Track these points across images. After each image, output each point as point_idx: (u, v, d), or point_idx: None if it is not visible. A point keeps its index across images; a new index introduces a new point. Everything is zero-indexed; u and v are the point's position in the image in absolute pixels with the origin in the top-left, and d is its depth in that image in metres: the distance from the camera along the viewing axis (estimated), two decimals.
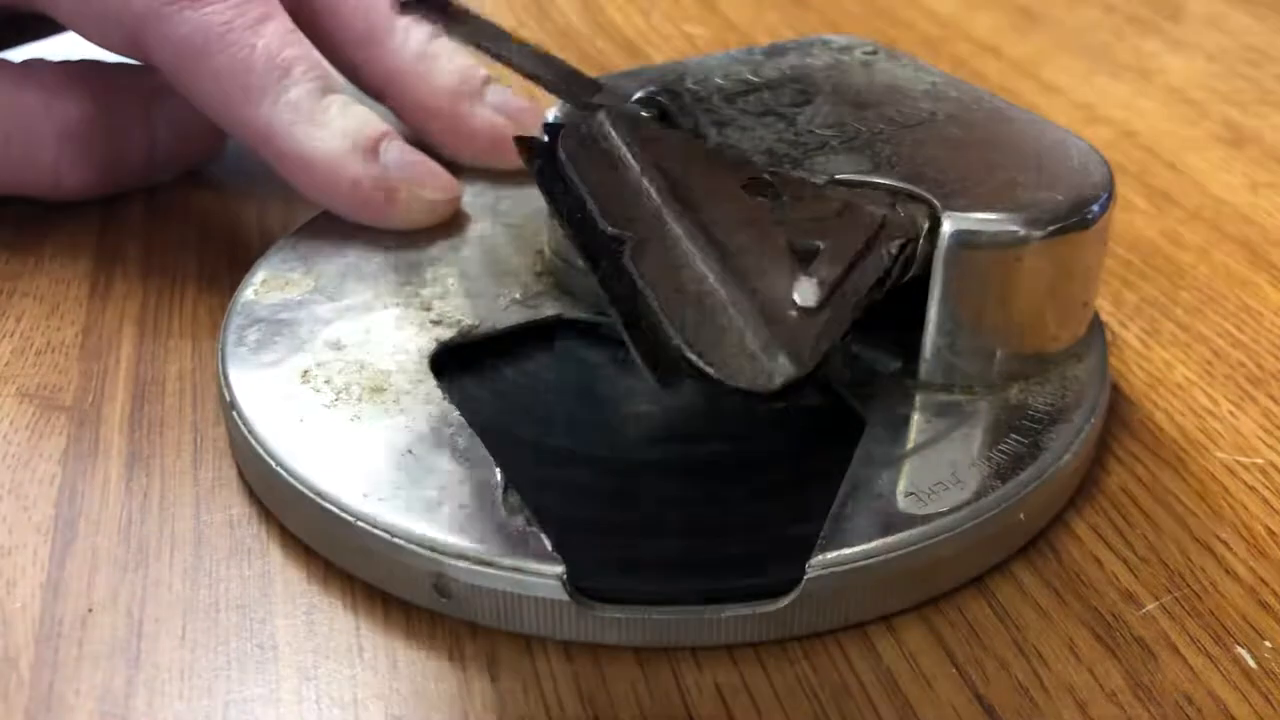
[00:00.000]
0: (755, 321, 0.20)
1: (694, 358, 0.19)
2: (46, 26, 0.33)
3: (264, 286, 0.28)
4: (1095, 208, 0.24)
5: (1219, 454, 0.26)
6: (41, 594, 0.22)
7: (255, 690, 0.20)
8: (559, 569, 0.21)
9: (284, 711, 0.20)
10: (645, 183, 0.22)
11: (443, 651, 0.21)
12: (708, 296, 0.21)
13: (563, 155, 0.23)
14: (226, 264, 0.31)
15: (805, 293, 0.20)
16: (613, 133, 0.24)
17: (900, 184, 0.24)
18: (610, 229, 0.21)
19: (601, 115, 0.24)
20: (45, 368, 0.28)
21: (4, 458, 0.25)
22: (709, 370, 0.19)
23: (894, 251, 0.23)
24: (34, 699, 0.20)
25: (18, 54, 0.33)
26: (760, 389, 0.19)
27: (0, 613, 0.22)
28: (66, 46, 0.33)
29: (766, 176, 0.24)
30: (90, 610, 0.22)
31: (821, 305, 0.20)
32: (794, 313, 0.20)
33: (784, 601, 0.21)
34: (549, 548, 0.21)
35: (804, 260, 0.21)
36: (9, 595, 0.22)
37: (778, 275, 0.21)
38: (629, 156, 0.23)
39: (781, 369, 0.19)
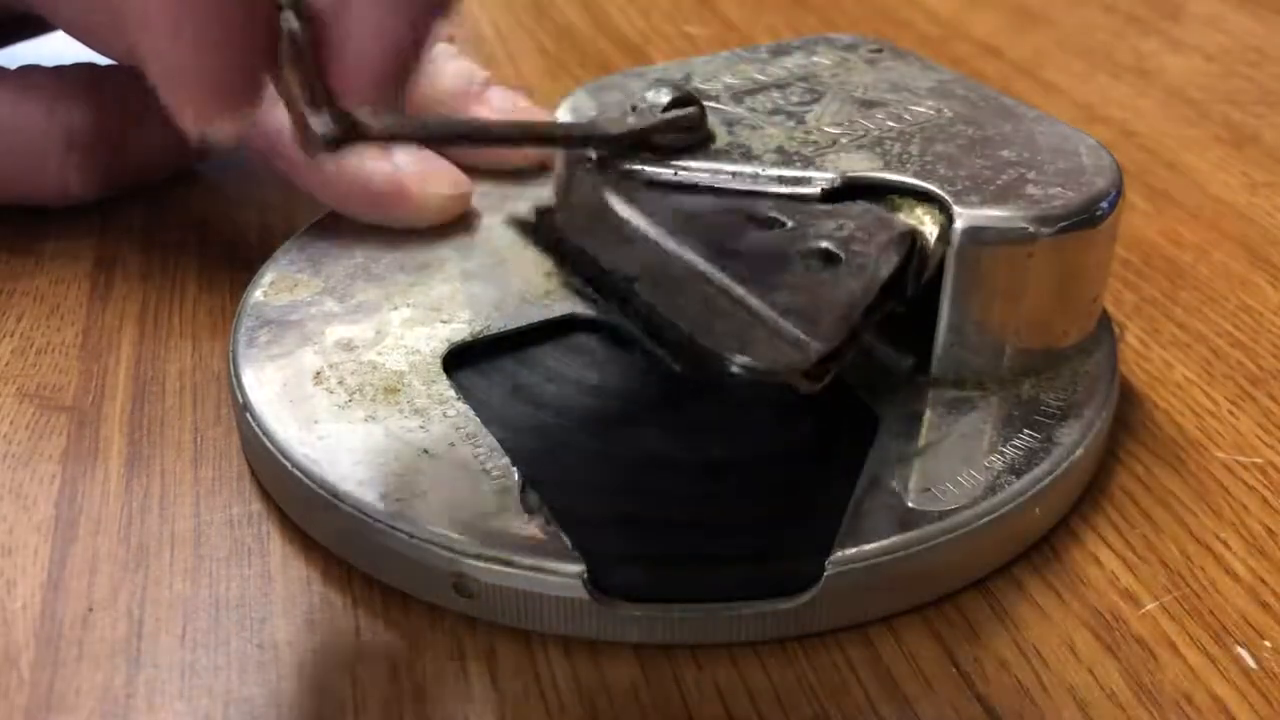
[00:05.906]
0: (776, 314, 0.21)
1: (731, 357, 0.21)
2: (38, 24, 0.33)
3: (273, 288, 0.27)
4: (1105, 205, 0.25)
5: (1218, 453, 0.26)
6: (42, 594, 0.22)
7: (255, 690, 0.20)
8: (579, 568, 0.21)
9: (284, 711, 0.20)
10: (645, 228, 0.24)
11: (443, 651, 0.21)
12: (728, 303, 0.22)
13: (560, 222, 0.24)
14: (226, 265, 0.31)
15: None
16: (604, 190, 0.25)
17: (912, 181, 0.25)
18: (621, 272, 0.23)
19: (589, 177, 0.25)
20: (45, 368, 0.28)
21: (4, 458, 0.25)
22: (748, 364, 0.21)
23: (904, 251, 0.23)
24: (34, 699, 0.20)
25: (13, 53, 0.33)
26: (799, 367, 0.21)
27: (0, 612, 0.22)
28: (59, 45, 0.33)
29: (769, 211, 0.24)
30: (90, 610, 0.22)
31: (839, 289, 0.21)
32: (810, 301, 0.21)
33: (804, 598, 0.21)
34: (569, 546, 0.21)
35: (815, 259, 0.23)
36: (9, 595, 0.22)
37: (789, 272, 0.22)
38: (625, 208, 0.24)
39: (814, 347, 0.21)
